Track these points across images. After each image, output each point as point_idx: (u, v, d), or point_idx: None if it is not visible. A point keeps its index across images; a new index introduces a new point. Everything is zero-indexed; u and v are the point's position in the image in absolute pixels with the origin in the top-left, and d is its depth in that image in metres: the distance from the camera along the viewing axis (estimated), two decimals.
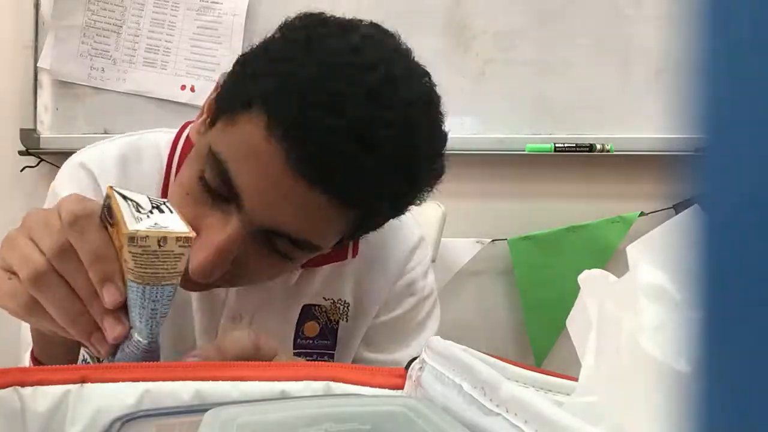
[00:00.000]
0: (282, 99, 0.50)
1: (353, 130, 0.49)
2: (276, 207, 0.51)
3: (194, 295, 0.70)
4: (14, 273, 0.44)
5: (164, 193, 0.69)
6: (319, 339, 0.74)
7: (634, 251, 0.27)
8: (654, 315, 0.24)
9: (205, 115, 0.60)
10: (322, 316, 0.73)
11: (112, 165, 0.70)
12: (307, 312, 0.73)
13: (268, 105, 0.50)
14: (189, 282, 0.54)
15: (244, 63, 0.57)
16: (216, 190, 0.53)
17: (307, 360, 0.72)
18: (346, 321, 0.74)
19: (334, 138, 0.49)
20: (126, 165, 0.70)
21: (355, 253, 0.73)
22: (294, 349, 0.73)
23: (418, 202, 0.61)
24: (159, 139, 0.72)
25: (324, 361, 0.74)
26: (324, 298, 0.73)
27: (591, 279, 0.32)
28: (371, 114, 0.50)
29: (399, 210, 0.61)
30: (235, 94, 0.55)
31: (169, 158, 0.70)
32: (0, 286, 0.44)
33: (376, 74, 0.51)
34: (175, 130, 0.73)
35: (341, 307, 0.74)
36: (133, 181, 0.69)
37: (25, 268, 0.43)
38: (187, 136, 0.70)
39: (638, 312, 0.25)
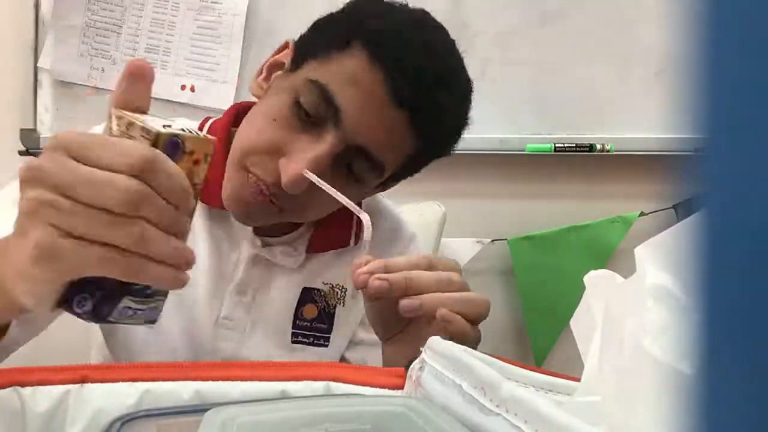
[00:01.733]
0: (384, 38, 0.61)
1: (438, 71, 0.63)
2: (370, 124, 0.60)
3: (204, 263, 0.72)
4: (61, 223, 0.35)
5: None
6: (317, 322, 0.76)
7: (641, 252, 0.27)
8: (659, 317, 0.24)
9: (288, 59, 0.68)
10: (320, 300, 0.77)
11: None
12: (307, 295, 0.76)
13: (371, 42, 0.61)
14: (246, 210, 0.63)
15: (331, 17, 0.68)
16: (312, 113, 0.61)
17: (303, 342, 0.76)
18: (343, 305, 0.77)
19: (424, 73, 0.61)
20: None
21: (357, 241, 0.78)
22: (292, 329, 0.75)
23: (453, 145, 0.77)
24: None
25: (320, 343, 0.76)
26: (323, 282, 0.77)
27: (597, 279, 0.32)
28: (448, 62, 0.67)
29: (448, 144, 0.75)
30: (329, 37, 0.64)
31: None
32: (60, 244, 0.35)
33: (445, 33, 0.70)
34: (195, 121, 0.77)
35: (339, 292, 0.77)
36: None
37: (114, 195, 0.35)
38: (231, 110, 0.76)
39: (643, 313, 0.25)
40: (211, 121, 0.76)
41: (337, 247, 0.77)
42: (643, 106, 1.36)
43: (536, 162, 1.41)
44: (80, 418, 0.37)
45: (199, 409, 0.36)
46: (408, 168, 0.71)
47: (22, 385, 0.37)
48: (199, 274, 0.72)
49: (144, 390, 0.38)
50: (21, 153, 1.41)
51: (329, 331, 0.77)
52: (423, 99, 0.62)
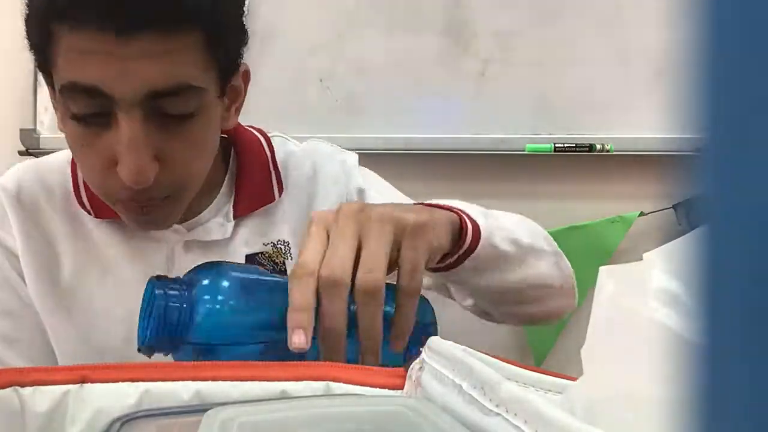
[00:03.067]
0: (65, 3, 0.55)
1: None
2: (126, 71, 0.55)
3: (131, 265, 0.70)
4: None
5: (76, 194, 0.72)
6: None
7: (650, 258, 0.27)
8: (664, 319, 0.25)
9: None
10: (267, 262, 0.75)
11: (22, 174, 0.76)
12: (251, 262, 0.74)
13: (61, 15, 0.56)
14: (141, 216, 0.61)
15: (26, 22, 0.64)
16: (85, 111, 0.58)
17: None
18: (291, 259, 0.75)
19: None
20: (35, 174, 0.76)
21: (281, 190, 0.76)
22: None
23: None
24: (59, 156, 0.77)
25: None
26: (263, 243, 0.75)
27: (609, 273, 0.32)
28: None
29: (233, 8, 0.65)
30: (37, 44, 0.62)
31: (73, 162, 0.74)
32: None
33: None
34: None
35: (282, 248, 0.75)
36: (33, 190, 0.74)
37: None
38: None
39: (649, 314, 0.25)
40: None
41: (263, 204, 0.75)
42: (643, 106, 1.36)
43: (536, 162, 1.41)
44: (80, 418, 0.37)
45: (199, 409, 0.36)
46: (224, 44, 0.64)
47: (22, 385, 0.37)
48: (127, 284, 0.70)
49: (144, 390, 0.38)
50: (21, 153, 1.41)
51: None
52: (126, 9, 0.54)
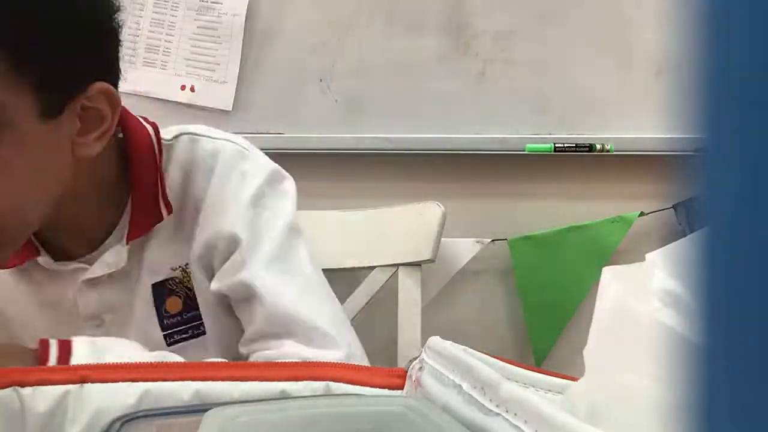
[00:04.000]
0: None
1: None
2: None
3: (46, 312, 0.69)
4: None
5: None
6: (186, 312, 0.71)
7: (653, 258, 0.27)
8: (666, 319, 0.25)
9: None
10: (179, 288, 0.71)
11: None
12: (161, 290, 0.70)
13: None
14: None
15: None
16: None
17: (181, 339, 0.70)
18: (194, 281, 0.71)
19: None
20: None
21: (168, 207, 0.69)
22: (163, 330, 0.70)
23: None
24: None
25: (199, 332, 0.71)
26: (171, 268, 0.71)
27: (614, 274, 0.32)
28: None
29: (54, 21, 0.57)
30: None
31: None
32: None
33: None
34: None
35: (186, 271, 0.71)
36: None
37: None
38: None
39: (651, 315, 0.25)
40: None
41: (152, 225, 0.69)
42: (643, 106, 1.36)
43: (536, 162, 1.41)
44: (80, 418, 0.37)
45: (199, 409, 0.36)
46: (41, 65, 0.57)
47: (22, 385, 0.37)
48: (47, 331, 0.65)
49: (144, 390, 0.38)
50: None
51: (200, 315, 0.71)
52: None
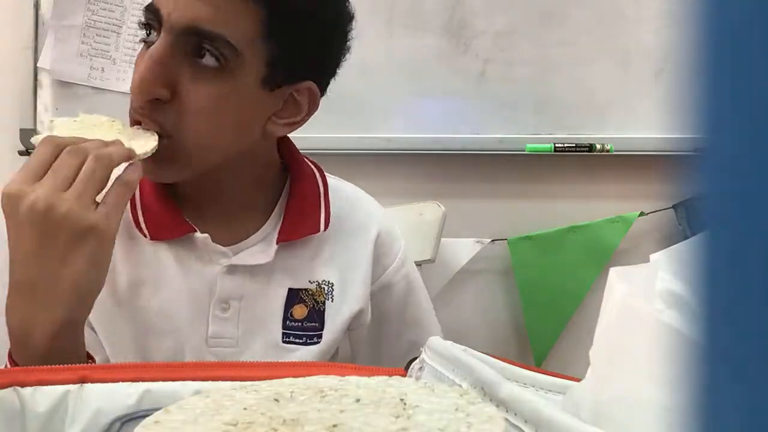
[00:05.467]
0: None
1: None
2: (187, 3, 0.62)
3: (181, 284, 0.72)
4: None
5: (134, 215, 0.76)
6: (307, 321, 0.76)
7: (657, 258, 0.27)
8: (669, 320, 0.25)
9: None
10: (309, 299, 0.76)
11: None
12: (294, 295, 0.76)
13: None
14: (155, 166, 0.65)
15: None
16: (144, 29, 0.66)
17: (296, 342, 0.76)
18: (332, 301, 0.77)
19: None
20: None
21: (327, 223, 0.77)
22: (283, 329, 0.75)
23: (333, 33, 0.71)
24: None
25: (312, 341, 0.76)
26: (309, 281, 0.76)
27: (621, 275, 0.32)
28: None
29: (319, 29, 0.69)
30: None
31: None
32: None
33: None
34: None
35: (326, 288, 0.77)
36: None
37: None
38: None
39: (655, 316, 0.25)
40: None
41: (308, 233, 0.76)
42: (643, 106, 1.36)
43: (536, 162, 1.41)
44: (80, 418, 0.37)
45: None
46: (281, 44, 0.67)
47: (22, 385, 0.37)
48: (175, 302, 0.72)
49: (144, 390, 0.38)
50: (21, 153, 1.41)
51: (321, 328, 0.77)
52: None
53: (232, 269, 0.73)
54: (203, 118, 0.65)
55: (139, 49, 0.68)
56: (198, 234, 0.72)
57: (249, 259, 0.73)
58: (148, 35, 0.67)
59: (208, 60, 0.63)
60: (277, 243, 0.74)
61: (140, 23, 0.67)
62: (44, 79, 1.42)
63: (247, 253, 0.74)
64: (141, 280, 0.73)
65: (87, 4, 1.41)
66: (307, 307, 0.76)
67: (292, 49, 0.67)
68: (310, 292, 0.76)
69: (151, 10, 0.64)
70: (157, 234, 0.73)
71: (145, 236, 0.73)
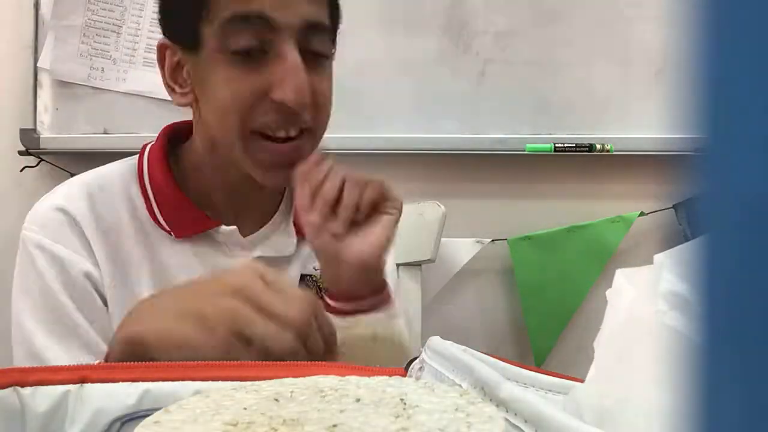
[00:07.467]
0: None
1: None
2: (287, 1, 0.64)
3: (203, 269, 0.73)
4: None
5: (151, 213, 0.74)
6: None
7: (660, 259, 0.27)
8: (672, 321, 0.25)
9: (176, 51, 0.70)
10: (313, 286, 0.79)
11: (82, 200, 0.73)
12: (303, 282, 0.78)
13: None
14: (274, 156, 0.67)
15: None
16: (246, 42, 0.64)
17: None
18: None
19: None
20: (93, 199, 0.73)
21: None
22: None
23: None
24: (116, 170, 0.77)
25: None
26: (314, 268, 0.78)
27: (627, 276, 0.32)
28: None
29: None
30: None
31: (141, 181, 0.75)
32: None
33: None
34: (129, 160, 0.78)
35: None
36: (105, 213, 0.73)
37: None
38: (149, 154, 0.76)
39: (658, 317, 0.25)
40: (148, 146, 0.77)
41: None
42: (643, 106, 1.36)
43: (536, 162, 1.41)
44: (80, 418, 0.37)
45: None
46: (335, 29, 0.72)
47: (22, 385, 0.37)
48: None
49: (144, 390, 0.38)
50: (21, 153, 1.41)
51: None
52: None
53: (259, 260, 0.74)
54: (328, 106, 0.70)
55: (225, 65, 0.66)
56: (224, 227, 0.73)
57: (275, 251, 0.76)
58: (245, 51, 0.65)
59: (321, 48, 0.67)
60: (297, 235, 0.77)
61: (236, 51, 0.65)
62: (44, 79, 1.42)
63: (271, 244, 0.76)
64: (166, 279, 0.72)
65: (87, 4, 1.41)
66: (312, 291, 0.78)
67: (335, 30, 0.72)
68: (314, 279, 0.78)
69: (256, 24, 0.64)
70: (181, 231, 0.73)
71: (168, 233, 0.72)
